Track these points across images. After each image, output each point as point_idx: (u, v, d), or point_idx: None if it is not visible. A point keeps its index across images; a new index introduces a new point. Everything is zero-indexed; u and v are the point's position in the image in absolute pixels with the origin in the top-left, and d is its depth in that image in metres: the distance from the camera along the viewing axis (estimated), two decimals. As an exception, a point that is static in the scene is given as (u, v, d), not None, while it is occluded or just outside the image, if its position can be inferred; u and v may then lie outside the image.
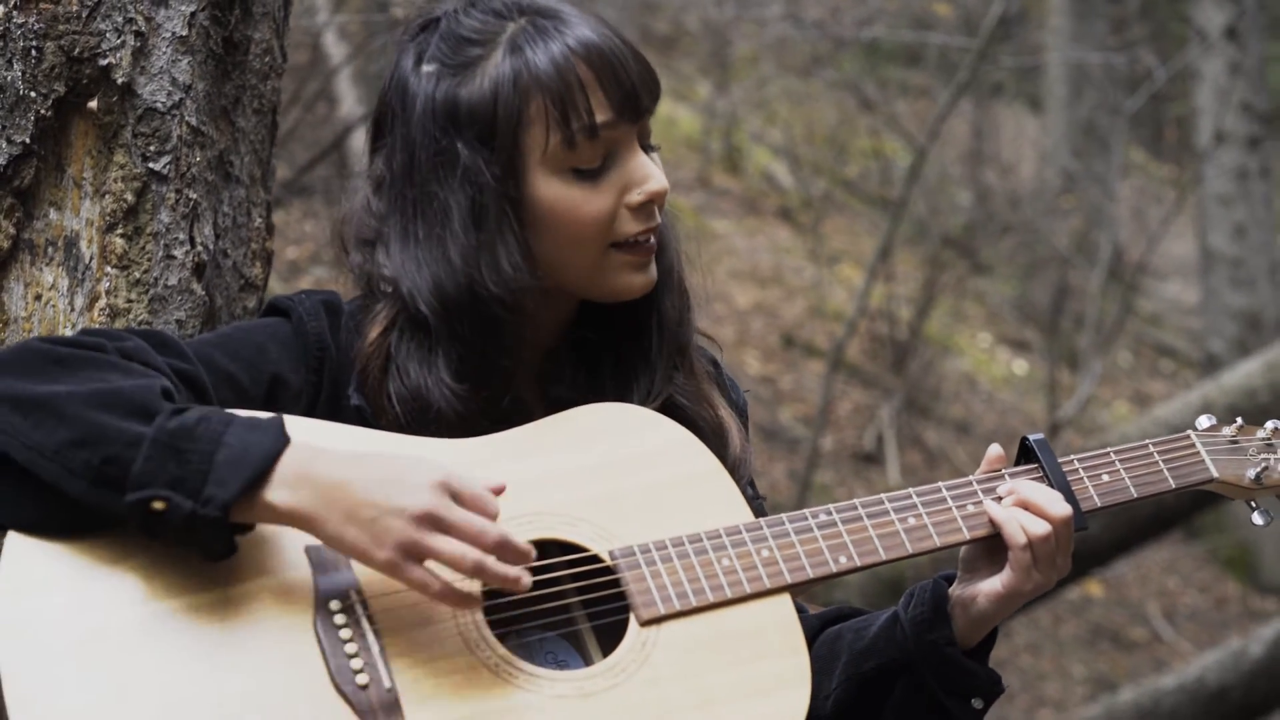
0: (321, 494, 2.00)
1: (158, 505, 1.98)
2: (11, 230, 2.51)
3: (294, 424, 2.11)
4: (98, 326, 2.26)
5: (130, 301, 2.59)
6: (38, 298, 2.53)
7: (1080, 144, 15.90)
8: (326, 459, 2.03)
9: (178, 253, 2.64)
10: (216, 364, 2.22)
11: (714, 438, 2.34)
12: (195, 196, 2.66)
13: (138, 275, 2.60)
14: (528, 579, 2.04)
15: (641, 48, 2.33)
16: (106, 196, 2.58)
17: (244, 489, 1.98)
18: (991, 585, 2.32)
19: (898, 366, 12.98)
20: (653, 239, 2.31)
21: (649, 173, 2.28)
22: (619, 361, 2.36)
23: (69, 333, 2.53)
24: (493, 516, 2.04)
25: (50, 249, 2.55)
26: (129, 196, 2.59)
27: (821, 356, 13.37)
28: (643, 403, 2.32)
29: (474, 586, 2.06)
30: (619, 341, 2.37)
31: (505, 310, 2.24)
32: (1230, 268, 13.07)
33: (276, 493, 2.00)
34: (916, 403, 13.05)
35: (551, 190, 2.25)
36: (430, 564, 2.03)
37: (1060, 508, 2.30)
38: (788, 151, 16.37)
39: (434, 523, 2.00)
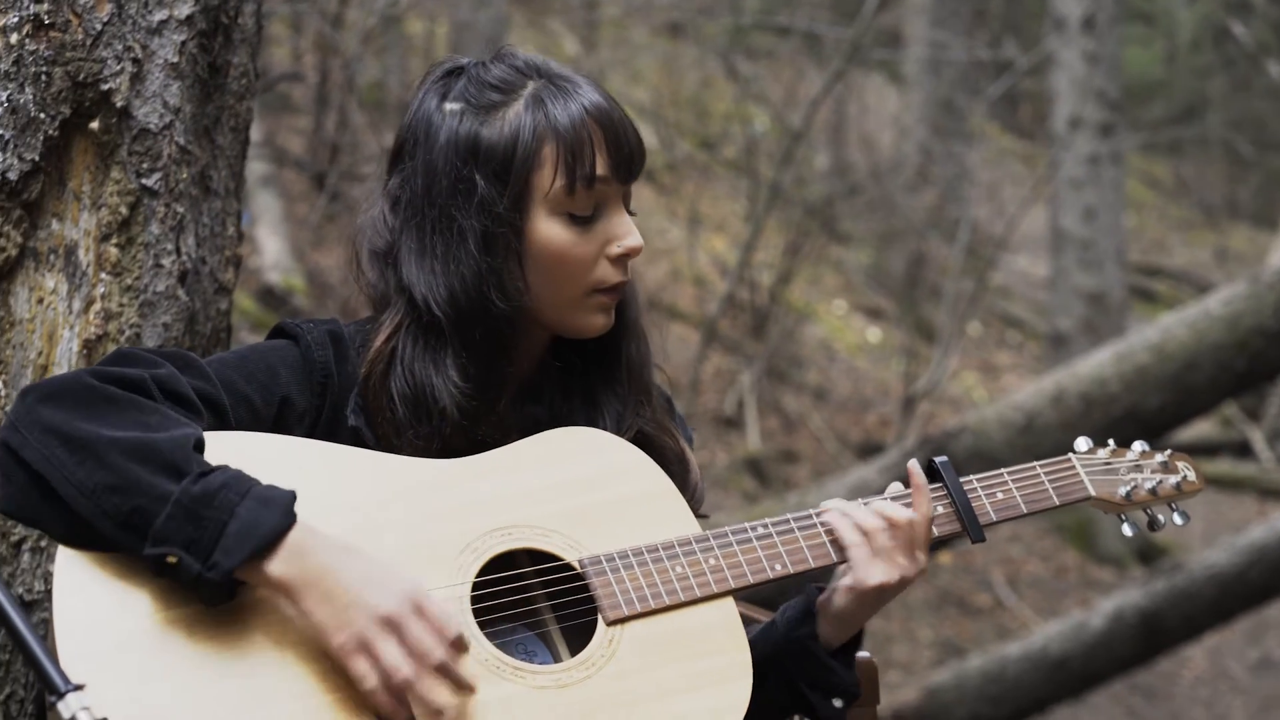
0: (308, 573, 2.25)
1: (171, 560, 2.23)
2: (19, 239, 2.74)
3: (305, 453, 2.40)
4: (132, 349, 2.47)
5: (122, 306, 2.83)
6: (40, 301, 2.77)
7: (939, 119, 16.31)
8: (321, 545, 2.27)
9: (165, 261, 2.89)
10: (236, 387, 2.47)
11: (677, 464, 2.65)
12: (181, 210, 2.91)
13: (129, 282, 2.84)
14: (452, 714, 2.24)
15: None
16: (103, 209, 2.82)
17: (246, 560, 2.23)
18: (845, 581, 2.60)
19: (758, 332, 13.28)
20: (620, 290, 2.60)
21: (630, 230, 2.58)
22: (587, 391, 2.65)
23: (67, 334, 2.77)
24: (448, 640, 2.25)
25: (52, 256, 2.78)
26: (123, 209, 2.83)
27: (685, 319, 13.65)
28: (613, 431, 2.61)
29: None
30: (588, 374, 2.66)
31: (508, 325, 2.53)
32: (1079, 249, 13.51)
33: (273, 565, 2.25)
34: (775, 368, 13.37)
35: (549, 229, 2.54)
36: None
37: (900, 512, 2.59)
38: (653, 113, 16.62)
39: (391, 627, 2.24)
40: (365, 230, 2.62)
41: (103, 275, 2.82)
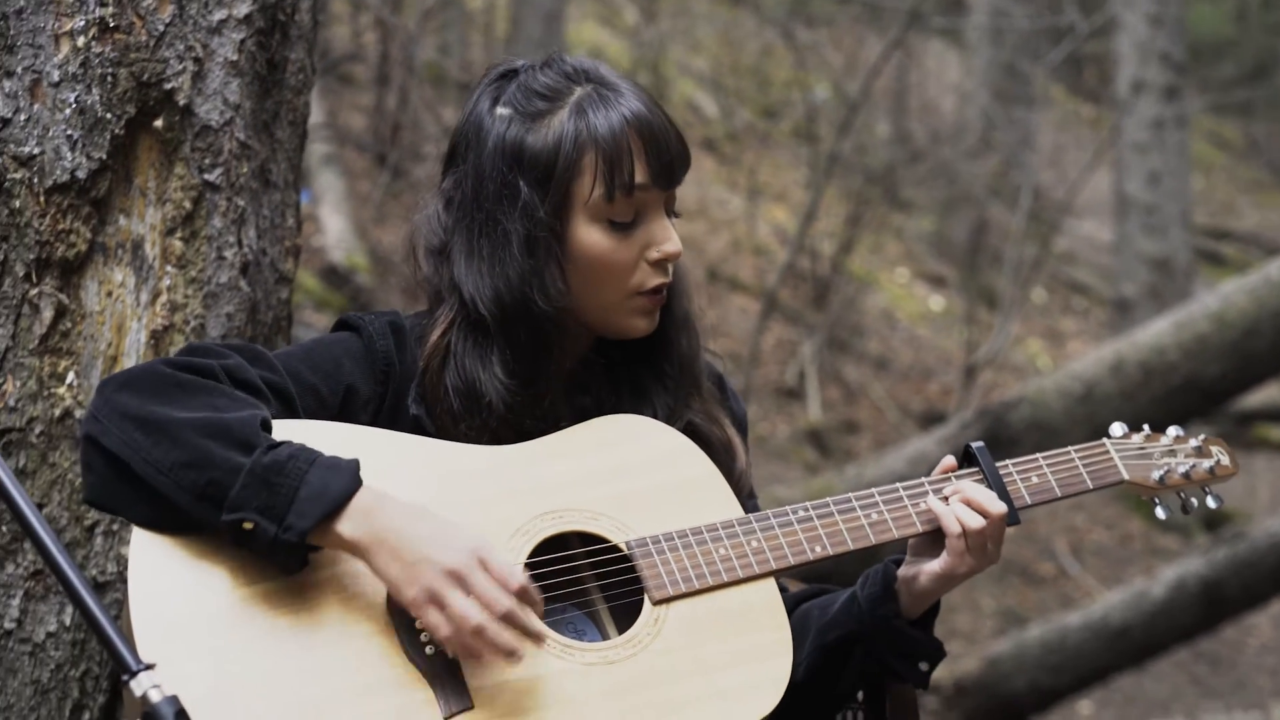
0: (377, 532, 2.38)
1: (248, 525, 2.37)
2: (88, 235, 2.85)
3: (365, 440, 2.51)
4: (203, 342, 2.61)
5: (187, 297, 2.94)
6: (109, 294, 2.88)
7: (1001, 84, 16.25)
8: (389, 506, 2.40)
9: (228, 254, 3.00)
10: (302, 377, 2.59)
11: (724, 453, 2.75)
12: (242, 203, 3.01)
13: (194, 274, 2.96)
14: (521, 654, 2.38)
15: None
16: (167, 204, 2.93)
17: (319, 521, 2.37)
18: (932, 567, 2.70)
19: (819, 302, 13.29)
20: (663, 292, 2.69)
21: (669, 235, 2.67)
22: (635, 383, 2.75)
23: (135, 325, 2.89)
24: (514, 590, 2.38)
25: (120, 251, 2.89)
26: (187, 204, 2.94)
27: (746, 290, 13.69)
28: (664, 422, 2.70)
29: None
30: (634, 367, 2.76)
31: (551, 324, 2.64)
32: (1144, 214, 13.49)
33: (343, 525, 2.38)
34: (837, 338, 13.39)
35: (589, 235, 2.63)
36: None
37: (997, 506, 2.68)
38: (714, 82, 16.65)
39: (457, 580, 2.37)
40: (420, 228, 2.73)
41: (168, 268, 2.93)
